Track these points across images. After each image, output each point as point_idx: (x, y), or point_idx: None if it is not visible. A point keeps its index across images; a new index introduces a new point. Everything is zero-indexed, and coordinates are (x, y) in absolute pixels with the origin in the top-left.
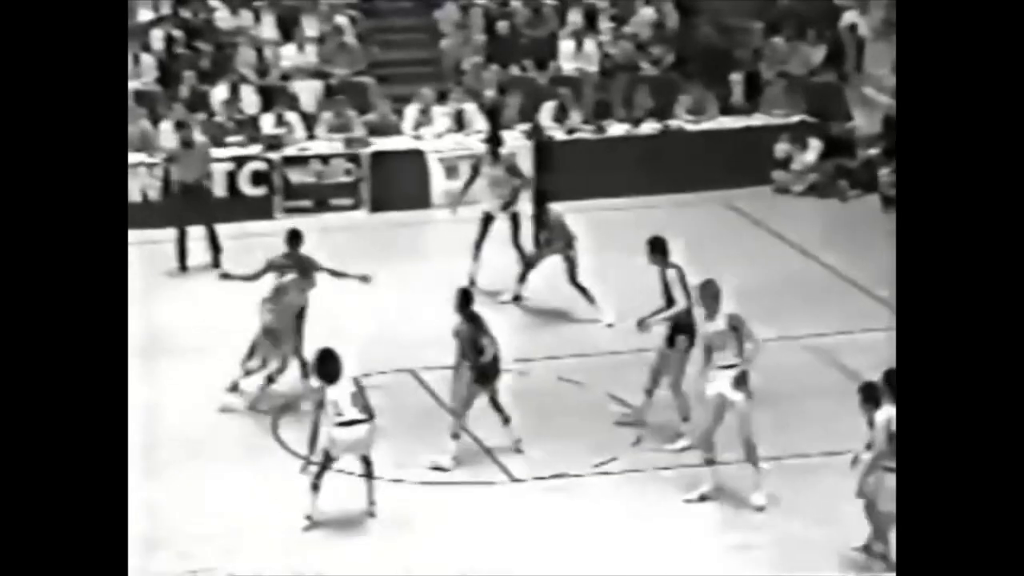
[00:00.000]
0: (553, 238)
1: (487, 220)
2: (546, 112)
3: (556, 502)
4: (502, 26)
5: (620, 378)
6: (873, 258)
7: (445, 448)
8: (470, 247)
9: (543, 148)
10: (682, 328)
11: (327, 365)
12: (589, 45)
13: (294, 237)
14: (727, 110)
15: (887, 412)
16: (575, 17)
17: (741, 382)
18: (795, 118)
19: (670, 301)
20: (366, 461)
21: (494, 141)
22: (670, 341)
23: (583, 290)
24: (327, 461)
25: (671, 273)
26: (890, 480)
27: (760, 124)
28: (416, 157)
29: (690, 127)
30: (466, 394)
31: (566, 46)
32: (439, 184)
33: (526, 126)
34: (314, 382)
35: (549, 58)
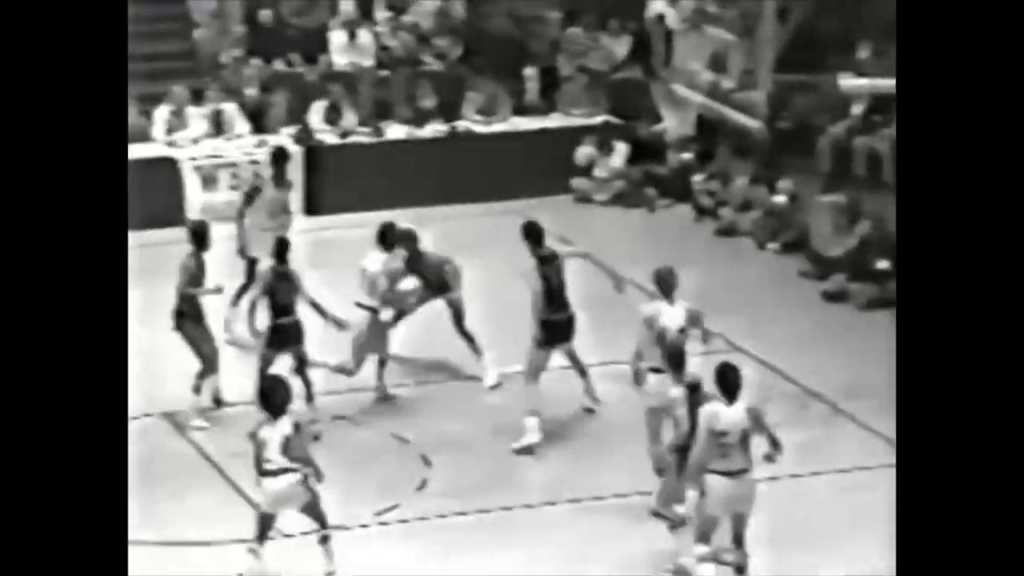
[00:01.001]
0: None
1: (253, 262)
2: (316, 113)
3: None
4: (265, 15)
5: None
6: (684, 274)
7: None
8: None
9: (314, 153)
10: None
11: (269, 396)
12: (364, 36)
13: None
14: (521, 110)
15: (713, 408)
16: (347, 5)
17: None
18: (597, 119)
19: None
20: (310, 513)
21: (279, 159)
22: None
23: (470, 339)
24: (263, 519)
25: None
26: (716, 482)
27: (558, 125)
28: (168, 166)
29: (480, 129)
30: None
31: (338, 38)
32: (195, 197)
33: (294, 129)
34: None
35: (319, 51)
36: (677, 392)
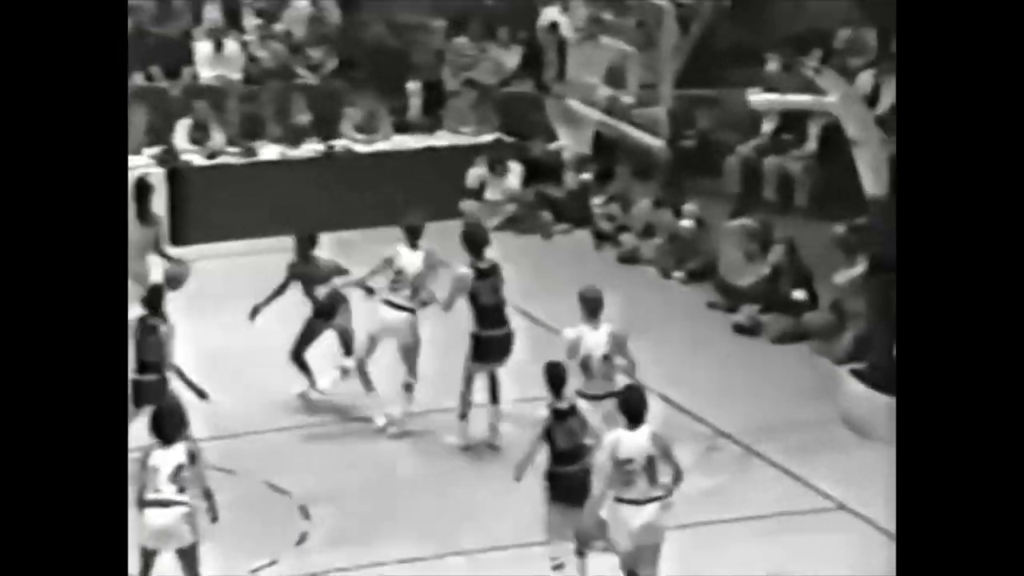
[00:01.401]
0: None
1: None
2: (181, 131)
3: None
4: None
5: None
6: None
7: None
8: None
9: (178, 177)
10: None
11: (164, 420)
12: (232, 47)
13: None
14: (404, 127)
15: (615, 435)
16: (213, 13)
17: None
18: (487, 137)
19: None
20: (185, 558)
21: (142, 191)
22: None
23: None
24: (144, 556)
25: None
26: (622, 512)
27: (445, 144)
28: None
29: (360, 148)
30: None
31: (203, 48)
32: None
33: (156, 150)
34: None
35: (182, 64)
36: (542, 414)
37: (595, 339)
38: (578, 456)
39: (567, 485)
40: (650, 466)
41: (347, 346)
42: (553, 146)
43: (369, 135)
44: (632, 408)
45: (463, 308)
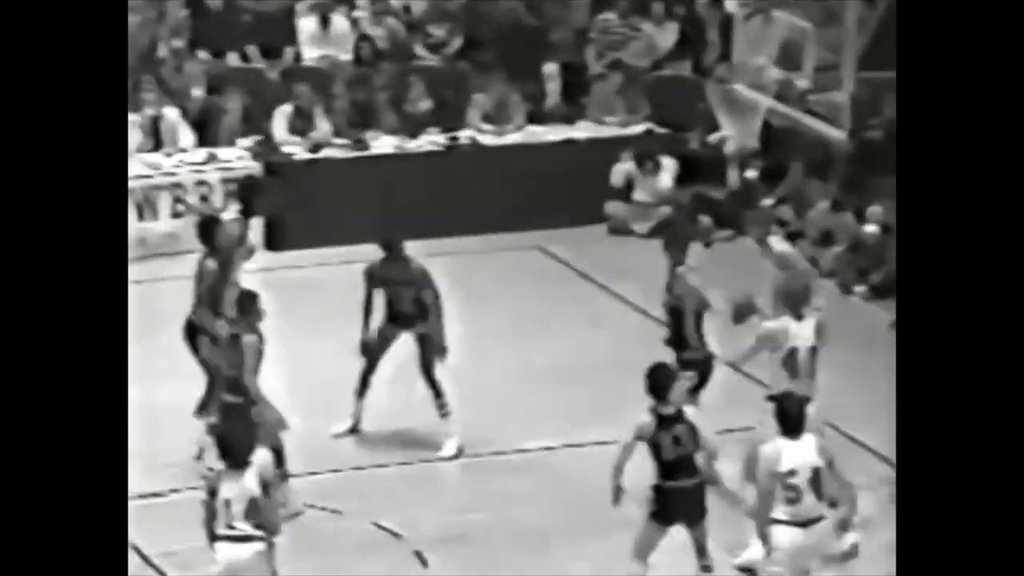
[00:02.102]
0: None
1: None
2: (280, 120)
3: None
4: None
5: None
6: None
7: None
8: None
9: (277, 171)
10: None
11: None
12: (340, 23)
13: None
14: (540, 116)
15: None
16: None
17: None
18: (637, 128)
19: None
20: None
21: (248, 190)
22: None
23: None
24: None
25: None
26: (784, 534)
27: (587, 136)
28: None
29: (488, 140)
30: None
31: (307, 25)
32: (130, 227)
33: (251, 141)
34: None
35: (283, 43)
36: (643, 419)
37: (801, 331)
38: (688, 468)
39: (675, 501)
40: (816, 480)
41: (427, 360)
42: (714, 138)
43: (499, 125)
44: (789, 416)
45: None
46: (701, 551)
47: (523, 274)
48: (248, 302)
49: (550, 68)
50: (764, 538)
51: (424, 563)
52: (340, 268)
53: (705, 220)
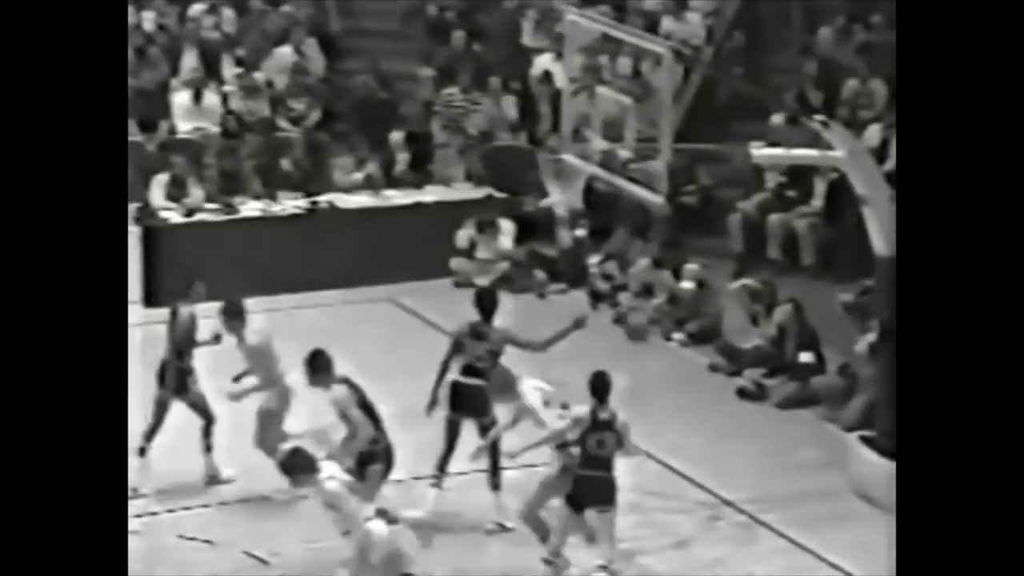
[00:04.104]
0: None
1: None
2: (157, 188)
3: None
4: None
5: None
6: (577, 369)
7: None
8: None
9: (153, 235)
10: (369, 457)
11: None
12: (210, 98)
13: None
14: (391, 181)
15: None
16: (191, 61)
17: None
18: (478, 193)
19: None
20: None
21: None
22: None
23: None
24: None
25: (338, 392)
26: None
27: (433, 199)
28: None
29: (345, 203)
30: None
31: (181, 100)
32: None
33: (132, 207)
34: None
35: (159, 117)
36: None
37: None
38: (603, 464)
39: (586, 489)
40: None
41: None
42: (546, 202)
43: (355, 190)
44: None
45: None
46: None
47: (377, 324)
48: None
49: (396, 136)
50: None
51: None
52: (209, 321)
53: (540, 275)
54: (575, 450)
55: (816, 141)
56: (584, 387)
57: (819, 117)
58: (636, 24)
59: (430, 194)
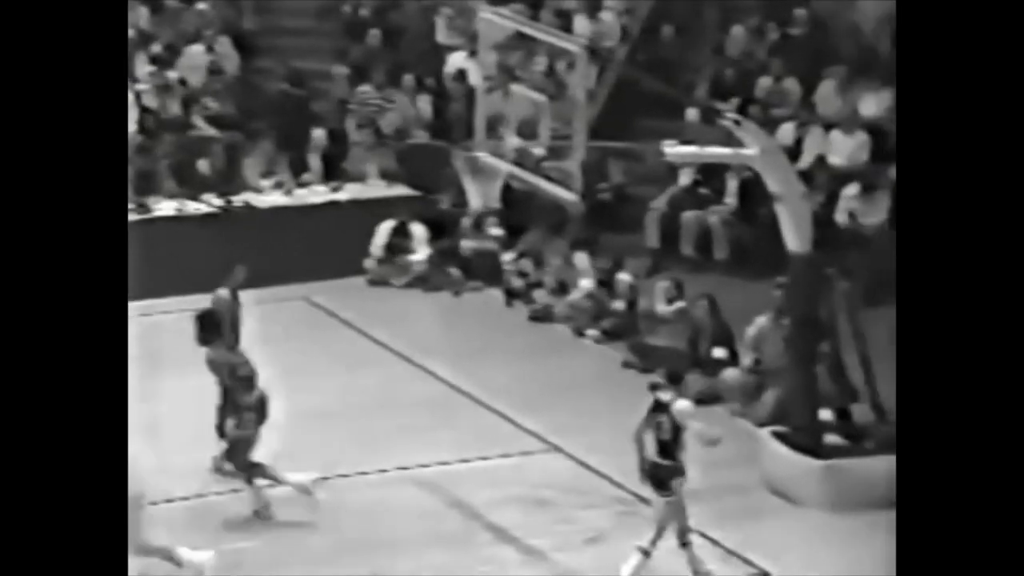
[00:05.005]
0: None
1: None
2: None
3: None
4: None
5: None
6: (494, 365)
7: None
8: None
9: None
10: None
11: None
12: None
13: None
14: (305, 180)
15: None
16: None
17: None
18: (392, 191)
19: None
20: None
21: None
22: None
23: None
24: None
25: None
26: None
27: (348, 198)
28: None
29: (259, 202)
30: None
31: None
32: None
33: None
34: None
35: None
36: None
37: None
38: (667, 452)
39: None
40: None
41: None
42: (461, 200)
43: (269, 189)
44: None
45: None
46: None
47: (291, 323)
48: None
49: (318, 134)
50: None
51: None
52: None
53: (455, 272)
54: None
55: (729, 139)
56: (501, 385)
57: (732, 115)
58: (550, 22)
59: (345, 193)
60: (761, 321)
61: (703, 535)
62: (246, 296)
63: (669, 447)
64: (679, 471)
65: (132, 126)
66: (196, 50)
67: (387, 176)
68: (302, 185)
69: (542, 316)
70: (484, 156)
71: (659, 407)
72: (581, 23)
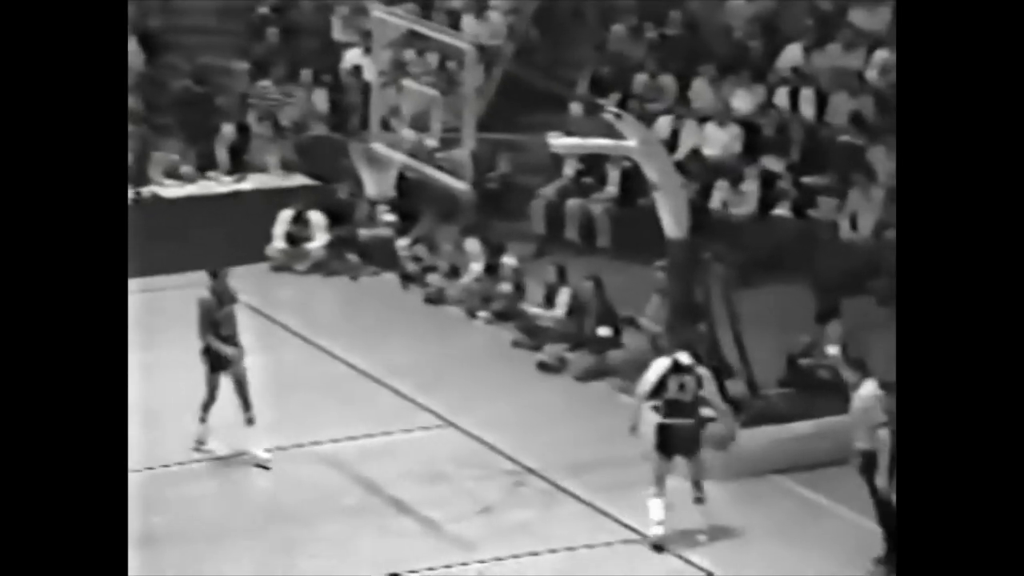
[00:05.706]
0: None
1: None
2: None
3: None
4: None
5: None
6: (388, 347)
7: None
8: None
9: None
10: None
11: None
12: None
13: None
14: (210, 172)
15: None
16: None
17: None
18: (293, 181)
19: None
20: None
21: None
22: None
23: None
24: None
25: None
26: None
27: (250, 188)
28: None
29: (167, 193)
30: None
31: None
32: None
33: None
34: None
35: None
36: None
37: None
38: (686, 411)
39: (673, 436)
40: None
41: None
42: (358, 190)
43: (176, 180)
44: None
45: None
46: (696, 484)
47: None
48: None
49: (227, 129)
50: None
51: None
52: None
53: (353, 258)
54: None
55: (610, 132)
56: (398, 364)
57: (613, 109)
58: (441, 21)
59: (248, 183)
60: (656, 300)
61: (589, 503)
62: (156, 282)
63: (687, 408)
64: (699, 429)
65: None
66: None
67: (287, 167)
68: (207, 177)
69: (436, 299)
70: (379, 147)
71: (679, 368)
72: (469, 22)
